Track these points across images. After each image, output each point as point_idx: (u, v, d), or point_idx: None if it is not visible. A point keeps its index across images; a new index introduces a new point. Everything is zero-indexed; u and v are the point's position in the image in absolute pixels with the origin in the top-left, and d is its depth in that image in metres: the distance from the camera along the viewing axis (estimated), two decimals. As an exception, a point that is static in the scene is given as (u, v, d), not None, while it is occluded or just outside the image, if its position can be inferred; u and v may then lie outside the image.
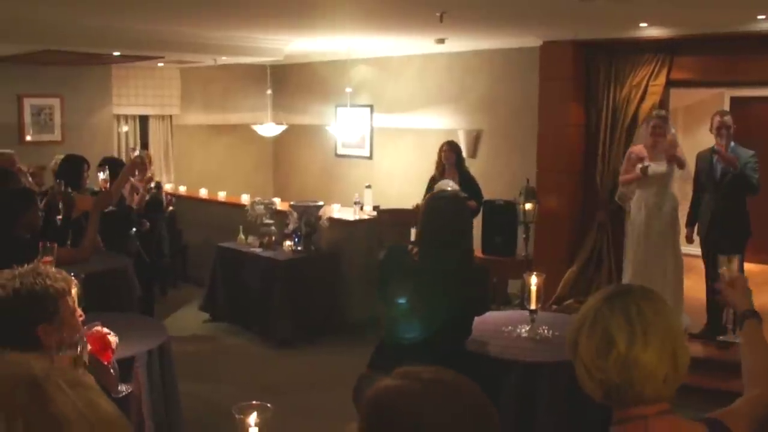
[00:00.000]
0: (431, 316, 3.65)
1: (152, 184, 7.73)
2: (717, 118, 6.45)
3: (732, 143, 6.39)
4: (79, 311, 2.64)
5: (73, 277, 2.61)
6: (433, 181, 7.84)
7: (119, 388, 2.91)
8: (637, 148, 6.88)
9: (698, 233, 6.70)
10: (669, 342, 1.77)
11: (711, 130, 6.49)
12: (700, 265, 6.75)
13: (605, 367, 1.76)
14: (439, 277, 3.72)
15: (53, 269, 2.59)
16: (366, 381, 3.74)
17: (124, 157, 9.60)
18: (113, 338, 2.90)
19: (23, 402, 1.15)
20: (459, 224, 3.82)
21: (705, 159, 6.59)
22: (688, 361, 1.81)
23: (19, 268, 2.52)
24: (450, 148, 7.84)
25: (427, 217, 3.90)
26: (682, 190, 6.93)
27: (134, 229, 6.97)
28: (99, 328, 2.86)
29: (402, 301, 3.73)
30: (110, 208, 6.14)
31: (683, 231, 6.87)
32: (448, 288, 3.69)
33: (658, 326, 1.77)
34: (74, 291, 2.58)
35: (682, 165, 6.73)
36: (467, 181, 7.79)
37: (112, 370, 2.87)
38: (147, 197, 7.39)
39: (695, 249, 6.94)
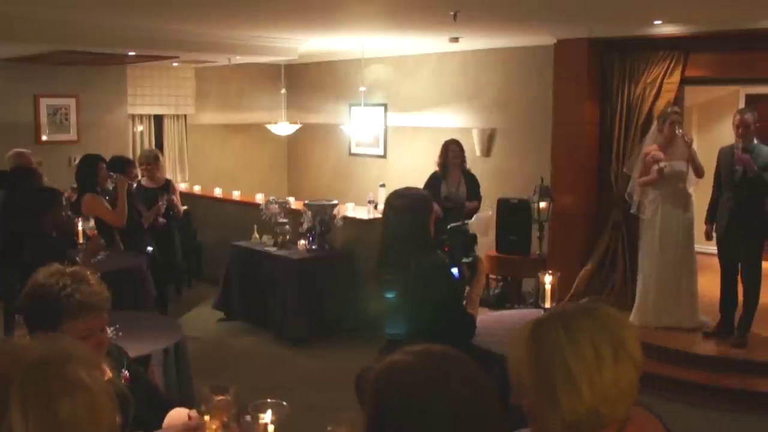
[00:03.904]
0: (388, 312, 3.84)
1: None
2: (737, 117, 6.34)
3: (755, 141, 6.27)
4: (101, 339, 2.46)
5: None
6: (435, 178, 7.81)
7: None
8: (652, 149, 6.72)
9: (715, 230, 6.62)
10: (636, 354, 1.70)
11: (733, 128, 6.42)
12: (715, 262, 6.69)
13: (590, 392, 1.64)
14: (385, 275, 3.86)
15: (97, 287, 2.45)
16: (367, 371, 3.87)
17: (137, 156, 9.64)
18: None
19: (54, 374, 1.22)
20: (401, 225, 3.80)
21: (726, 155, 6.44)
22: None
23: (69, 268, 2.46)
24: (459, 148, 7.82)
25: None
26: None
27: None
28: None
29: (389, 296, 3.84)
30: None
31: (699, 228, 6.80)
32: (390, 285, 3.81)
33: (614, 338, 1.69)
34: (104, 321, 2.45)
35: (701, 174, 6.65)
36: (472, 181, 7.82)
37: None
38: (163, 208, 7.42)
39: (709, 247, 6.89)
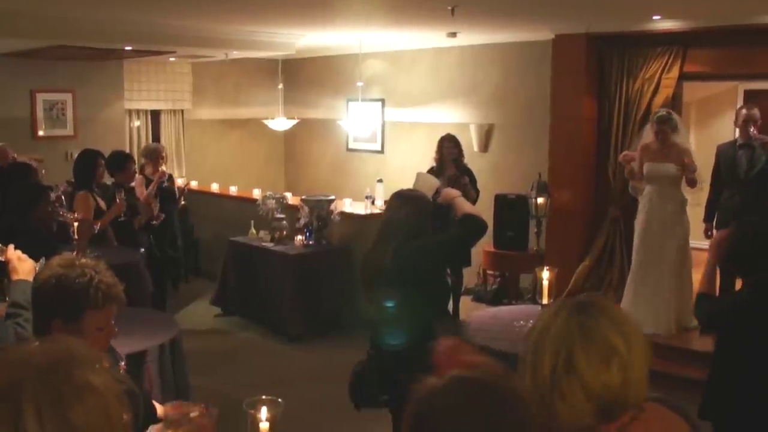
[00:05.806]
0: (387, 322, 3.85)
1: (165, 177, 7.77)
2: (743, 111, 6.28)
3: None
4: (112, 330, 2.46)
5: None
6: (431, 173, 7.80)
7: None
8: (641, 145, 6.71)
9: (716, 227, 6.58)
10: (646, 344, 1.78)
11: (736, 124, 6.35)
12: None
13: (609, 377, 1.72)
14: (371, 269, 3.92)
15: (112, 278, 2.44)
16: (358, 367, 4.01)
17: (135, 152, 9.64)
18: None
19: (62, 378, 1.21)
20: (406, 223, 3.83)
21: (726, 153, 6.39)
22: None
23: (80, 259, 2.43)
24: (453, 144, 7.81)
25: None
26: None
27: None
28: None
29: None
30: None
31: (696, 227, 6.76)
32: (375, 278, 3.88)
33: (634, 329, 1.78)
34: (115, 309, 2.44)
35: (693, 186, 6.55)
36: (469, 176, 7.79)
37: None
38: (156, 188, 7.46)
39: (706, 243, 6.85)
